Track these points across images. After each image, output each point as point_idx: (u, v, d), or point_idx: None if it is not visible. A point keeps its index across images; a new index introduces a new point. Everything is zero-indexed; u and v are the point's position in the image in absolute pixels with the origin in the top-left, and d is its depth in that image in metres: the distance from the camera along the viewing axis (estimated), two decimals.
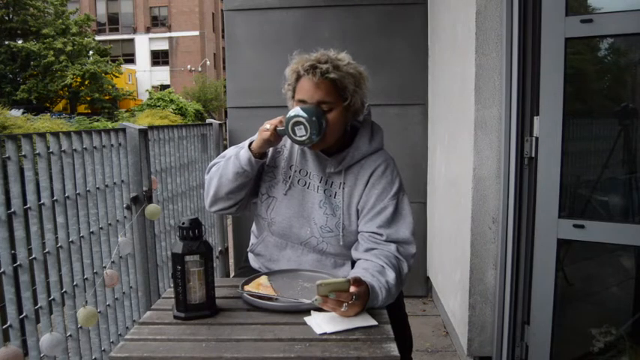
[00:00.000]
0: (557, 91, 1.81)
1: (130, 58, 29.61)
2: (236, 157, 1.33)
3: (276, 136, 1.29)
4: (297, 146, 1.40)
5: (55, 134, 1.55)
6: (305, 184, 1.38)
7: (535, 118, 1.89)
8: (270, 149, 1.41)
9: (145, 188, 2.02)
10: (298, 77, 1.31)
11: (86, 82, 21.92)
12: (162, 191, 2.36)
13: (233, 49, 3.19)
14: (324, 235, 1.37)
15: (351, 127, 1.39)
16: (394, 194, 1.34)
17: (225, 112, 4.18)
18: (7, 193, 1.33)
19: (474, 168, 2.04)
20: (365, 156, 1.37)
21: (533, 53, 1.87)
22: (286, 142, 1.42)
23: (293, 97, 1.34)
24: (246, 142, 1.34)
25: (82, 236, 1.66)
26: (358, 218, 1.36)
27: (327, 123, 1.27)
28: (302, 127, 1.24)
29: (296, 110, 1.25)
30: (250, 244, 1.52)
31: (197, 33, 30.37)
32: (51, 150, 1.52)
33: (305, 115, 1.24)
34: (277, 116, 1.36)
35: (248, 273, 1.43)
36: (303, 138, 1.25)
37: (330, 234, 1.36)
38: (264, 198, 1.41)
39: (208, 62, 30.41)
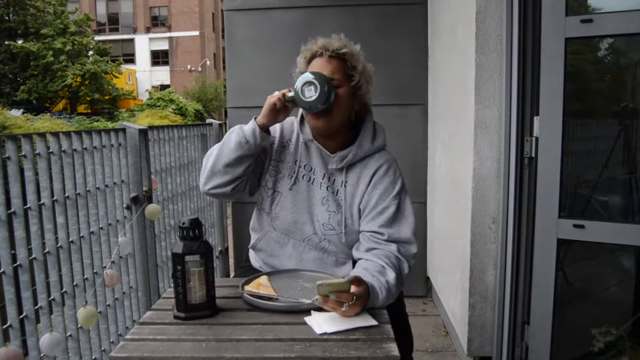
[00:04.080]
0: (557, 91, 1.81)
1: (130, 58, 29.59)
2: (240, 128, 1.33)
3: (282, 103, 1.29)
4: (301, 141, 1.40)
5: (55, 134, 1.55)
6: (309, 180, 1.39)
7: (535, 118, 1.88)
8: (276, 140, 1.41)
9: (145, 188, 2.02)
10: (310, 60, 1.34)
11: (86, 82, 21.91)
12: (162, 191, 2.36)
13: (233, 49, 3.19)
14: (325, 233, 1.37)
15: (354, 127, 1.40)
16: (396, 194, 1.34)
17: (225, 112, 4.18)
18: (7, 193, 1.33)
19: (474, 168, 2.04)
20: (368, 155, 1.37)
21: (533, 53, 1.87)
22: (292, 136, 1.42)
23: None
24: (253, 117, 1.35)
25: (82, 236, 1.66)
26: (360, 217, 1.36)
27: (336, 96, 1.29)
28: (312, 87, 1.25)
29: (307, 74, 1.27)
30: (251, 240, 1.52)
31: (197, 33, 30.35)
32: (51, 150, 1.52)
33: (316, 77, 1.26)
34: None
35: (248, 273, 1.43)
36: (312, 98, 1.26)
37: (332, 232, 1.37)
38: (269, 192, 1.41)
39: (208, 62, 30.39)
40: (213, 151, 1.36)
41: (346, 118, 1.35)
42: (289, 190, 1.39)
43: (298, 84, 1.27)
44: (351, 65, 1.32)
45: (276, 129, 1.43)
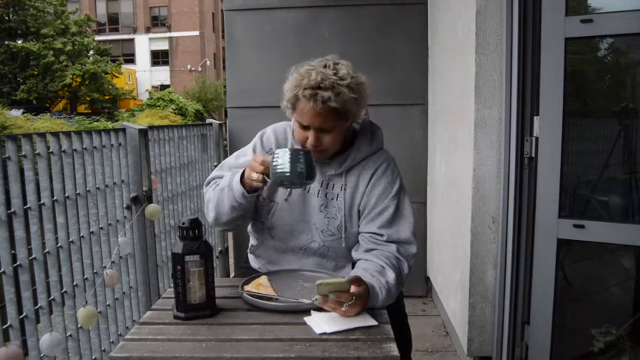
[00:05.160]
0: (557, 91, 1.81)
1: (130, 58, 29.60)
2: (230, 189, 1.28)
3: (264, 183, 1.24)
4: None
5: (55, 134, 1.55)
6: (305, 188, 1.37)
7: (535, 118, 1.88)
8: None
9: (144, 188, 2.02)
10: (297, 99, 1.23)
11: (86, 82, 21.91)
12: (162, 191, 2.36)
13: (233, 49, 3.19)
14: (325, 239, 1.36)
15: (350, 129, 1.39)
16: (395, 194, 1.33)
17: (225, 112, 4.19)
18: (7, 193, 1.33)
19: (474, 168, 2.04)
20: (366, 157, 1.36)
21: (533, 53, 1.87)
22: (287, 144, 1.39)
23: (293, 111, 1.28)
24: (238, 174, 1.28)
25: (82, 236, 1.66)
26: (359, 219, 1.36)
27: (314, 159, 1.22)
28: (288, 183, 1.19)
29: (280, 166, 1.16)
30: (250, 245, 1.52)
31: (197, 33, 30.36)
32: (51, 150, 1.52)
33: (288, 172, 1.15)
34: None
35: (248, 273, 1.43)
36: (298, 189, 1.28)
37: (331, 237, 1.36)
38: (265, 202, 1.40)
39: (208, 62, 30.40)
40: (212, 199, 1.33)
41: (343, 142, 1.33)
42: (285, 201, 1.37)
43: (274, 180, 1.18)
44: (344, 111, 1.21)
45: (270, 140, 1.40)
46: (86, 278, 1.68)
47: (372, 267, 1.23)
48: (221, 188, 1.32)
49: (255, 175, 1.22)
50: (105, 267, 1.74)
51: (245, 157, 1.42)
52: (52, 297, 1.51)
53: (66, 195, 1.58)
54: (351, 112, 1.25)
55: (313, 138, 1.25)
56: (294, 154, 1.17)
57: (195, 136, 2.83)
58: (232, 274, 3.24)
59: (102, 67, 22.02)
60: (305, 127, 1.26)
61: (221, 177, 1.40)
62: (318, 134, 1.25)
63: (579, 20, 1.75)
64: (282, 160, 1.17)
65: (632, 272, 2.02)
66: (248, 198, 1.27)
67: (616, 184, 1.98)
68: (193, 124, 2.97)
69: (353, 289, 1.08)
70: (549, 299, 1.90)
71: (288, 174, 1.16)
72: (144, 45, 30.47)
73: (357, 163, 1.36)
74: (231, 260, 3.36)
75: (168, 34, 30.56)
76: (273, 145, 1.40)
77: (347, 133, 1.34)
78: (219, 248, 3.19)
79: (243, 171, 1.27)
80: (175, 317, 1.13)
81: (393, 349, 0.99)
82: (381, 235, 1.30)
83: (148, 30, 30.57)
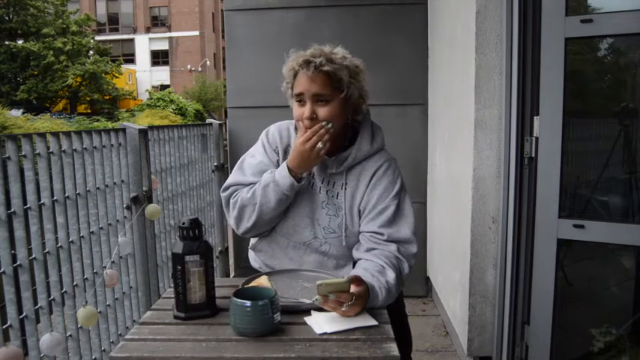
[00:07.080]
0: (557, 91, 1.81)
1: (130, 58, 29.58)
2: (275, 183, 1.31)
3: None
4: None
5: (55, 134, 1.55)
6: (309, 184, 1.38)
7: (535, 118, 1.89)
8: (280, 149, 1.41)
9: (144, 188, 2.02)
10: (295, 74, 1.30)
11: (86, 82, 21.91)
12: (162, 191, 2.36)
13: (233, 49, 3.19)
14: (326, 237, 1.37)
15: (351, 128, 1.39)
16: (396, 194, 1.33)
17: (225, 112, 4.19)
18: (7, 193, 1.33)
19: (474, 168, 2.04)
20: (367, 157, 1.37)
21: (533, 53, 1.87)
22: (290, 141, 1.40)
23: (292, 94, 1.33)
24: (283, 167, 1.31)
25: (82, 236, 1.67)
26: (360, 219, 1.36)
27: (327, 112, 1.27)
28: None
29: (231, 315, 1.05)
30: (251, 241, 1.52)
31: (197, 33, 30.36)
32: (51, 150, 1.52)
33: (231, 323, 1.06)
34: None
35: (248, 273, 1.43)
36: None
37: (333, 235, 1.36)
38: None
39: (208, 62, 30.39)
40: (248, 203, 1.34)
41: (342, 126, 1.34)
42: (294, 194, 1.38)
43: None
44: (337, 78, 1.27)
45: (275, 138, 1.42)
46: (86, 278, 1.68)
47: (372, 267, 1.23)
48: (263, 186, 1.33)
49: (320, 144, 1.27)
50: (105, 267, 1.74)
51: (253, 158, 1.42)
52: (52, 297, 1.51)
53: (66, 195, 1.58)
54: (344, 82, 1.28)
55: (309, 110, 1.28)
56: (235, 307, 1.04)
57: (195, 136, 2.83)
58: (232, 274, 3.26)
59: (102, 67, 22.00)
60: (301, 102, 1.30)
61: (244, 183, 1.39)
62: (313, 106, 1.28)
63: (579, 20, 1.75)
64: (231, 311, 1.06)
65: (632, 272, 2.02)
66: (295, 188, 1.31)
67: (616, 184, 1.98)
68: (193, 124, 2.97)
69: (353, 289, 1.08)
70: (549, 299, 1.90)
71: (231, 324, 1.06)
72: (144, 45, 30.46)
73: (357, 162, 1.36)
74: (231, 260, 3.36)
75: (168, 34, 30.55)
76: (278, 142, 1.41)
77: (346, 117, 1.33)
78: (219, 248, 3.19)
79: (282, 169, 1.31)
80: (175, 317, 1.13)
81: (393, 349, 0.99)
82: (382, 235, 1.30)
83: (148, 30, 30.56)
